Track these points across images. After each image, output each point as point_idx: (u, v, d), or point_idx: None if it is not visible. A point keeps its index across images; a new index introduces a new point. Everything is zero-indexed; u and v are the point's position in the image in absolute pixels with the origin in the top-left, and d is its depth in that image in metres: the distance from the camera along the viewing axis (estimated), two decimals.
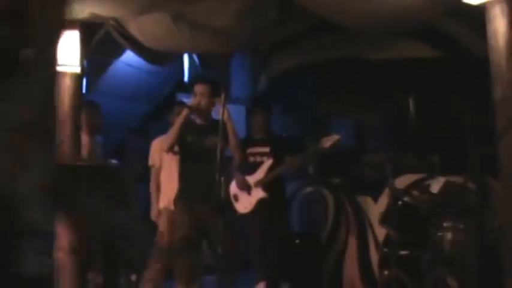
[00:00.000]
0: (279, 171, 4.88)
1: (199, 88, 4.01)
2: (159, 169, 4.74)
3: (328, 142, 4.61)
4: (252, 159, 4.98)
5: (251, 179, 4.96)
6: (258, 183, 4.90)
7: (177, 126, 3.93)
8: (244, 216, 4.96)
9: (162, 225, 4.68)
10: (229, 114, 3.83)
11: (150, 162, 4.84)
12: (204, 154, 3.91)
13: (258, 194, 4.90)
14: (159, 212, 4.73)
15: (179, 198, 4.09)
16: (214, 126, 3.69)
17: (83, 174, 3.54)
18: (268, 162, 4.91)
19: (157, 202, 4.76)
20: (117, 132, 5.09)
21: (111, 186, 3.56)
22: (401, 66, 5.38)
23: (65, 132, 4.25)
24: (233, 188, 5.03)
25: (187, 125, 3.98)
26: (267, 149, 4.96)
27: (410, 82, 5.52)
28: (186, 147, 4.02)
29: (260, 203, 4.89)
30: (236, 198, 5.01)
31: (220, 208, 3.55)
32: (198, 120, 4.09)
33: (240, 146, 4.11)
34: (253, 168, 4.96)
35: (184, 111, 3.94)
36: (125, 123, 5.12)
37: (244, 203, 4.94)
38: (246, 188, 4.93)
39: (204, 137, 4.02)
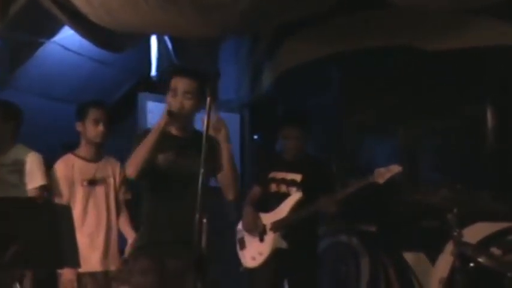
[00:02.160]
0: (308, 213, 4.49)
1: (182, 84, 3.67)
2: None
3: (384, 175, 4.31)
4: (274, 187, 4.65)
5: (267, 218, 4.60)
6: (277, 226, 4.52)
7: (152, 139, 3.55)
8: (251, 271, 4.67)
9: None
10: (224, 124, 3.55)
11: (58, 195, 4.36)
12: (184, 181, 3.55)
13: (275, 241, 4.54)
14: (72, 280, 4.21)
15: (141, 249, 3.65)
16: (199, 141, 3.39)
17: None
18: (295, 196, 4.54)
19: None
20: (47, 149, 4.60)
21: (28, 230, 3.14)
22: (474, 60, 5.06)
23: None
24: (240, 230, 4.77)
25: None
26: (298, 177, 4.62)
27: (488, 82, 5.20)
28: (155, 171, 3.63)
29: (276, 255, 4.52)
30: (242, 244, 4.72)
31: (198, 265, 3.08)
32: (176, 132, 3.73)
33: (237, 176, 3.71)
34: (274, 201, 4.63)
35: (164, 118, 3.59)
36: (59, 135, 4.70)
37: (253, 253, 4.62)
38: (258, 230, 4.61)
39: (185, 156, 3.65)
